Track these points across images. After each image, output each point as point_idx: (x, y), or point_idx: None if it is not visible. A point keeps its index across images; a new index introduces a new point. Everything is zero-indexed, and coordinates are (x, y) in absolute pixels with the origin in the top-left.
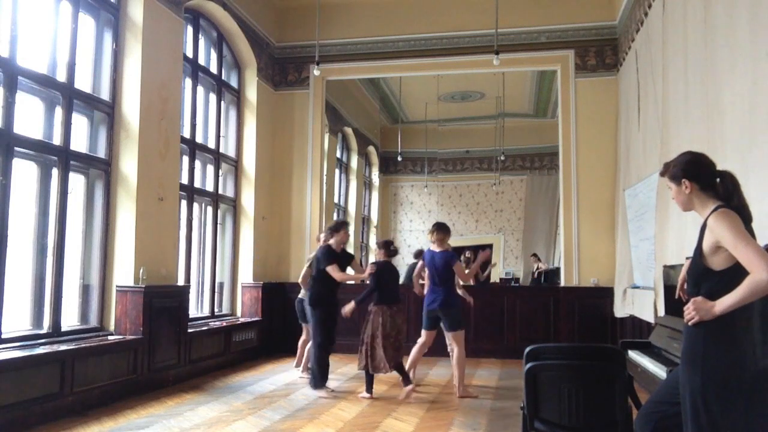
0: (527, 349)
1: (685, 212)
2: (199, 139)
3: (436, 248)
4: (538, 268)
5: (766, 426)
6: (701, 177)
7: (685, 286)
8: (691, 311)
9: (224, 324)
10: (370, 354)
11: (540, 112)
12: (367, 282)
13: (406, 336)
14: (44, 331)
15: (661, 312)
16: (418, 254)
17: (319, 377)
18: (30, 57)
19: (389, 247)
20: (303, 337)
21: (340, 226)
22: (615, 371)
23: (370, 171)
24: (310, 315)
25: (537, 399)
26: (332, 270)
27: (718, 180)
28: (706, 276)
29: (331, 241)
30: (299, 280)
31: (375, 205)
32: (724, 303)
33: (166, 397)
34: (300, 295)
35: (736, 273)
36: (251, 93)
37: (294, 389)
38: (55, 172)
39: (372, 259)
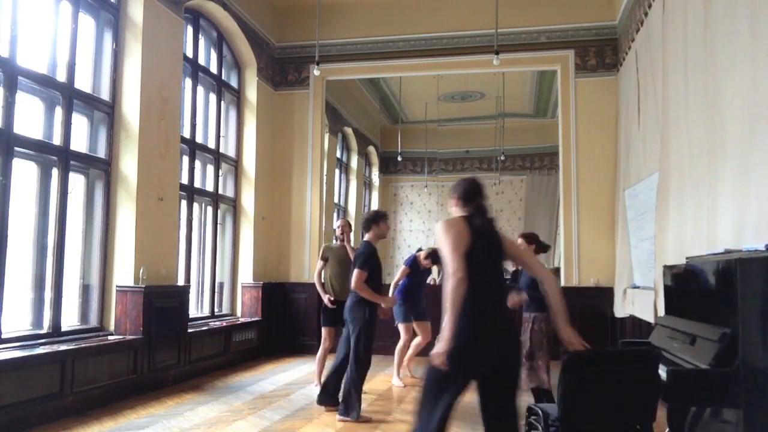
0: (566, 356)
1: (685, 212)
2: (199, 139)
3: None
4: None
5: None
6: (464, 196)
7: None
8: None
9: (224, 324)
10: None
11: (540, 112)
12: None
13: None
14: (44, 331)
15: (661, 312)
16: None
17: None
18: (30, 57)
19: (540, 243)
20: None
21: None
22: (653, 374)
23: (370, 171)
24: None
25: (574, 408)
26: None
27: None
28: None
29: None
30: (327, 280)
31: (375, 205)
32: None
33: (166, 397)
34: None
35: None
36: (251, 93)
37: (294, 389)
38: (55, 172)
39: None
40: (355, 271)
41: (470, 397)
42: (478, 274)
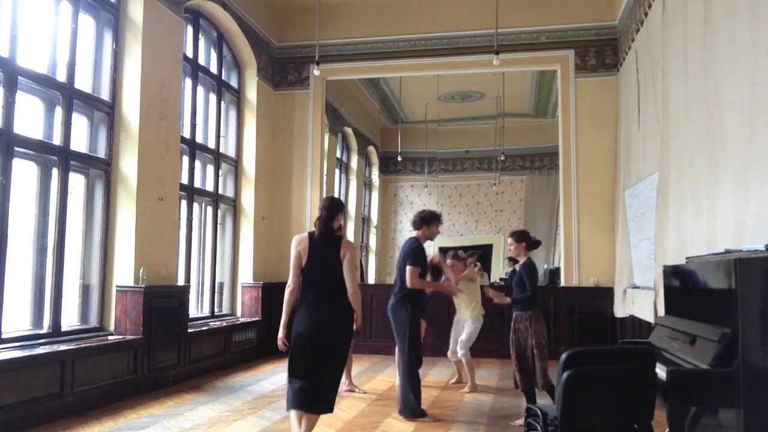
0: (565, 355)
1: (685, 212)
2: (199, 139)
3: None
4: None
5: None
6: (320, 210)
7: None
8: None
9: (224, 324)
10: (531, 368)
11: (540, 112)
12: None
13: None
14: (44, 331)
15: (661, 312)
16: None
17: None
18: (30, 57)
19: (530, 240)
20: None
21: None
22: (651, 372)
23: (370, 171)
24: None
25: (573, 407)
26: None
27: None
28: None
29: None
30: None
31: (375, 205)
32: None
33: (166, 397)
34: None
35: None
36: (251, 93)
37: None
38: (55, 172)
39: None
40: (409, 268)
41: (471, 398)
42: (310, 278)
